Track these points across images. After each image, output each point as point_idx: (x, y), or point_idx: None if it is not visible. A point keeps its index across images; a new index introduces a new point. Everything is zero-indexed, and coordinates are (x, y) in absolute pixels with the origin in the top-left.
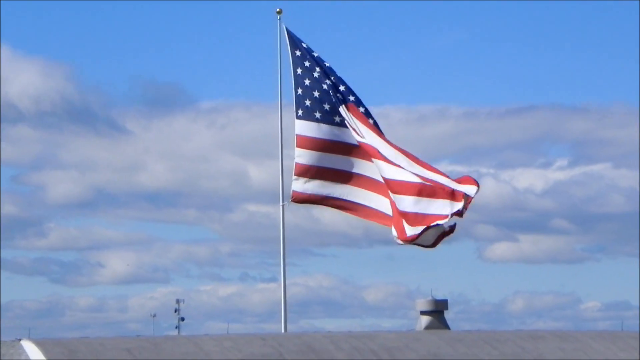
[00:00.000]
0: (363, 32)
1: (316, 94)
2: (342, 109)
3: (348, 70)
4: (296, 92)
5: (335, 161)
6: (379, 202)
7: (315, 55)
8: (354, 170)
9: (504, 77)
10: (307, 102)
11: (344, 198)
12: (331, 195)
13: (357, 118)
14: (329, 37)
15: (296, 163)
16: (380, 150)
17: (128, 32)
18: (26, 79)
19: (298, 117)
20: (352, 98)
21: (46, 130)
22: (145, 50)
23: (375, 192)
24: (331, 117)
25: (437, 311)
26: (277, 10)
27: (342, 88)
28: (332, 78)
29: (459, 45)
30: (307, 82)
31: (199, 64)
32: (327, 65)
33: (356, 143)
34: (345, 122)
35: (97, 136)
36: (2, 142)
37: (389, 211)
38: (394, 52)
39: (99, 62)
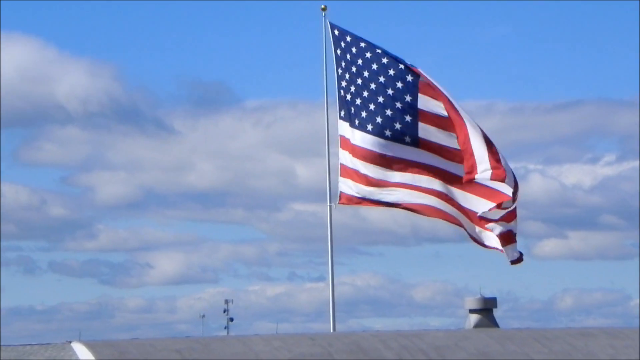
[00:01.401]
0: (407, 29)
1: (359, 101)
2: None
3: None
4: (339, 93)
5: (379, 172)
6: (437, 201)
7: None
8: (402, 181)
9: (550, 71)
10: (352, 108)
11: (396, 202)
12: (382, 200)
13: (433, 97)
14: (373, 34)
15: (341, 164)
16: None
17: (173, 31)
18: (73, 79)
19: (341, 118)
20: (421, 78)
21: (94, 131)
22: (190, 49)
23: (429, 194)
24: (381, 130)
25: (486, 309)
26: (322, 7)
27: (409, 78)
28: (391, 71)
29: (504, 40)
30: (352, 87)
31: (244, 63)
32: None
33: (407, 158)
34: (397, 132)
35: (145, 136)
36: (50, 144)
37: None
38: (438, 48)
39: (145, 61)
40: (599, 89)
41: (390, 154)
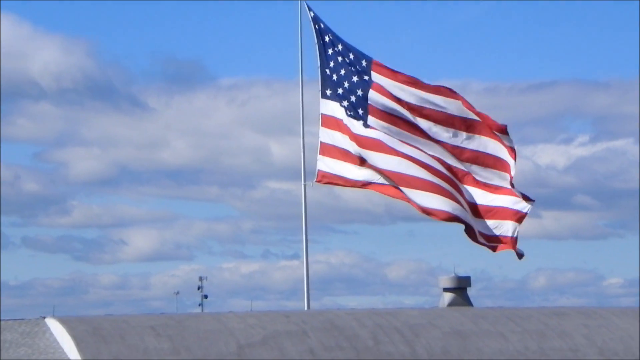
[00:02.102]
0: (381, 8)
1: (346, 83)
2: (371, 91)
3: (366, 46)
4: (324, 72)
5: (360, 151)
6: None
7: (331, 37)
8: (380, 165)
9: (525, 52)
10: (339, 89)
11: (372, 181)
12: (358, 179)
13: (388, 77)
14: (346, 13)
15: (321, 142)
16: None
17: (147, 7)
18: (47, 55)
19: (325, 97)
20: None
21: (68, 107)
22: (165, 26)
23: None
24: (356, 111)
25: (460, 288)
26: None
27: (363, 63)
28: (351, 55)
29: (479, 19)
30: (333, 63)
31: (219, 41)
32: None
33: (380, 138)
34: (370, 107)
35: (119, 113)
36: (24, 120)
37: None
38: (413, 27)
39: (119, 38)
40: (573, 70)
41: (367, 135)
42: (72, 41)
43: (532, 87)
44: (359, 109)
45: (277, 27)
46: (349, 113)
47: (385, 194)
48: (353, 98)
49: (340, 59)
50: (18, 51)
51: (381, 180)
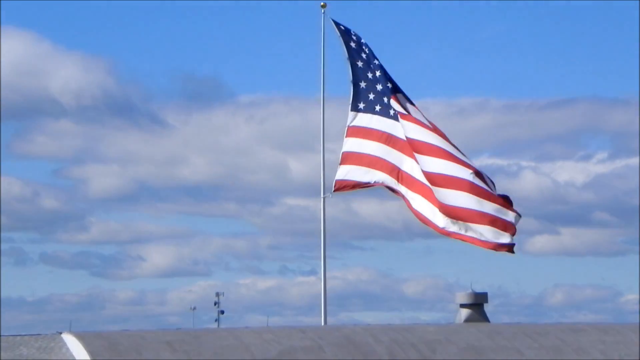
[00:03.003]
0: (404, 25)
1: (379, 87)
2: (393, 101)
3: (388, 63)
4: (358, 85)
5: (379, 150)
6: (417, 201)
7: (365, 46)
8: (397, 163)
9: (544, 69)
10: (370, 95)
11: (385, 184)
12: (371, 181)
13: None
14: (371, 29)
15: (343, 152)
16: (430, 142)
17: (166, 24)
18: (67, 73)
19: (357, 110)
20: (397, 93)
21: (87, 125)
22: (184, 43)
23: (412, 190)
24: (387, 110)
25: (477, 304)
26: (322, 4)
27: (388, 84)
28: (382, 70)
29: (499, 37)
30: (369, 74)
31: (237, 58)
32: (376, 59)
33: (403, 137)
34: (397, 114)
35: (138, 130)
36: (44, 137)
37: (424, 209)
38: (434, 45)
39: (138, 55)
40: (592, 87)
41: (393, 133)
42: (92, 59)
43: (551, 104)
44: (390, 110)
45: (295, 44)
46: (390, 113)
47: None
48: (385, 99)
49: (367, 65)
50: (39, 69)
51: (398, 186)
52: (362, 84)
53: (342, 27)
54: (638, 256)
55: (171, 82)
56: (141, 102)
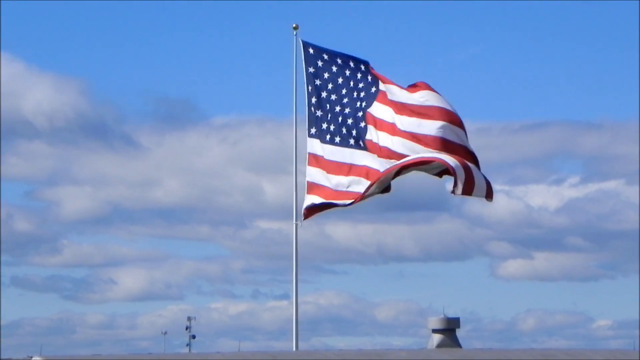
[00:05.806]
0: (377, 49)
1: (334, 114)
2: (369, 112)
3: None
4: (310, 110)
5: (342, 184)
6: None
7: (339, 62)
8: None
9: (517, 92)
10: (324, 124)
11: (348, 190)
12: (335, 188)
13: (383, 81)
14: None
15: (308, 182)
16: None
17: (139, 46)
18: (40, 94)
19: (310, 136)
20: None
21: (61, 146)
22: (157, 65)
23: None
24: (348, 140)
25: (449, 329)
26: (294, 25)
27: (369, 78)
28: (359, 75)
29: (472, 60)
30: (322, 100)
31: (211, 80)
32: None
33: (367, 164)
34: (362, 140)
35: (112, 151)
36: (16, 158)
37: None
38: (408, 69)
39: (111, 76)
40: (564, 111)
41: (349, 161)
42: (65, 80)
43: (524, 127)
44: (353, 130)
45: (268, 66)
46: (336, 141)
47: (369, 189)
48: (350, 121)
49: (331, 85)
50: (12, 90)
51: (365, 183)
52: (313, 110)
53: (313, 49)
54: (612, 281)
55: (145, 104)
56: (114, 123)
